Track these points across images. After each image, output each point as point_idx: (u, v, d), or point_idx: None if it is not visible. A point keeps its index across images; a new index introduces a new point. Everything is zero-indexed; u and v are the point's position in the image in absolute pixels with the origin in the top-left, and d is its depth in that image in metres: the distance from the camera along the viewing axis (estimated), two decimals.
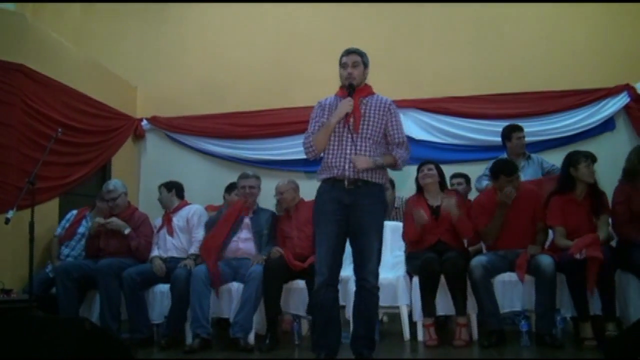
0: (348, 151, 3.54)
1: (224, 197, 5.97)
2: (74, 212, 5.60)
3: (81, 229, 5.44)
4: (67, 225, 5.49)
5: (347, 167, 3.52)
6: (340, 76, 3.68)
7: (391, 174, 4.44)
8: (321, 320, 3.53)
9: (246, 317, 4.43)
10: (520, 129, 5.48)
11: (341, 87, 3.71)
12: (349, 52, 3.66)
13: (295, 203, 4.99)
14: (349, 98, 3.56)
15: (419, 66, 6.99)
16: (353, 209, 3.52)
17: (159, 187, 5.39)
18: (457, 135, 6.71)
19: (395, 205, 5.75)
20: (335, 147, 3.58)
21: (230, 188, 5.91)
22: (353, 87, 3.60)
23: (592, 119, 6.52)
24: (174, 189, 5.35)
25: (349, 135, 3.55)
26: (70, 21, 7.35)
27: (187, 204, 5.34)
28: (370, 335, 3.58)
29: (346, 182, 3.53)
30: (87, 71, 6.43)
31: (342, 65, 3.65)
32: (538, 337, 4.16)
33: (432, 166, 4.78)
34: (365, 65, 3.68)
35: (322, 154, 3.66)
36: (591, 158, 4.44)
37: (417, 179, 4.82)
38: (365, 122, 3.59)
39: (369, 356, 3.50)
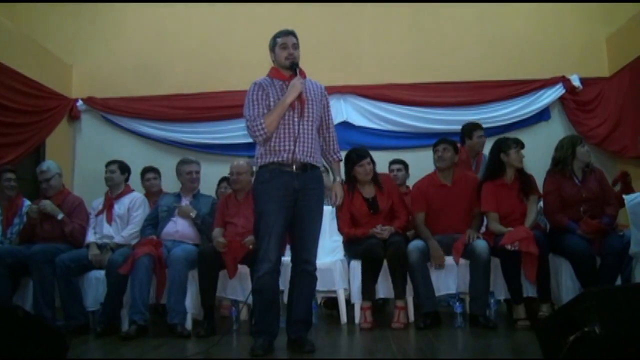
0: (296, 134, 3.49)
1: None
2: None
3: None
4: None
5: (296, 150, 3.47)
6: (276, 56, 3.62)
7: None
8: (263, 306, 3.51)
9: (177, 301, 4.35)
10: (481, 127, 5.47)
11: (275, 69, 3.66)
12: (288, 33, 3.60)
13: (249, 188, 4.54)
14: (298, 77, 3.50)
15: (359, 53, 7.02)
16: (302, 194, 3.50)
17: (110, 163, 5.14)
18: (396, 122, 6.79)
19: None
20: (282, 131, 3.51)
21: (144, 172, 5.80)
22: (298, 66, 3.55)
23: (528, 109, 6.74)
24: (127, 173, 5.18)
25: (295, 119, 3.51)
26: None
27: (130, 190, 5.19)
28: (309, 319, 3.65)
29: (294, 166, 3.49)
30: (19, 47, 6.15)
31: (282, 46, 3.58)
32: (472, 319, 4.27)
33: (369, 159, 4.68)
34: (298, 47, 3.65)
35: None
36: (520, 144, 4.59)
37: (351, 170, 4.67)
38: (310, 105, 3.57)
39: (308, 339, 3.55)
